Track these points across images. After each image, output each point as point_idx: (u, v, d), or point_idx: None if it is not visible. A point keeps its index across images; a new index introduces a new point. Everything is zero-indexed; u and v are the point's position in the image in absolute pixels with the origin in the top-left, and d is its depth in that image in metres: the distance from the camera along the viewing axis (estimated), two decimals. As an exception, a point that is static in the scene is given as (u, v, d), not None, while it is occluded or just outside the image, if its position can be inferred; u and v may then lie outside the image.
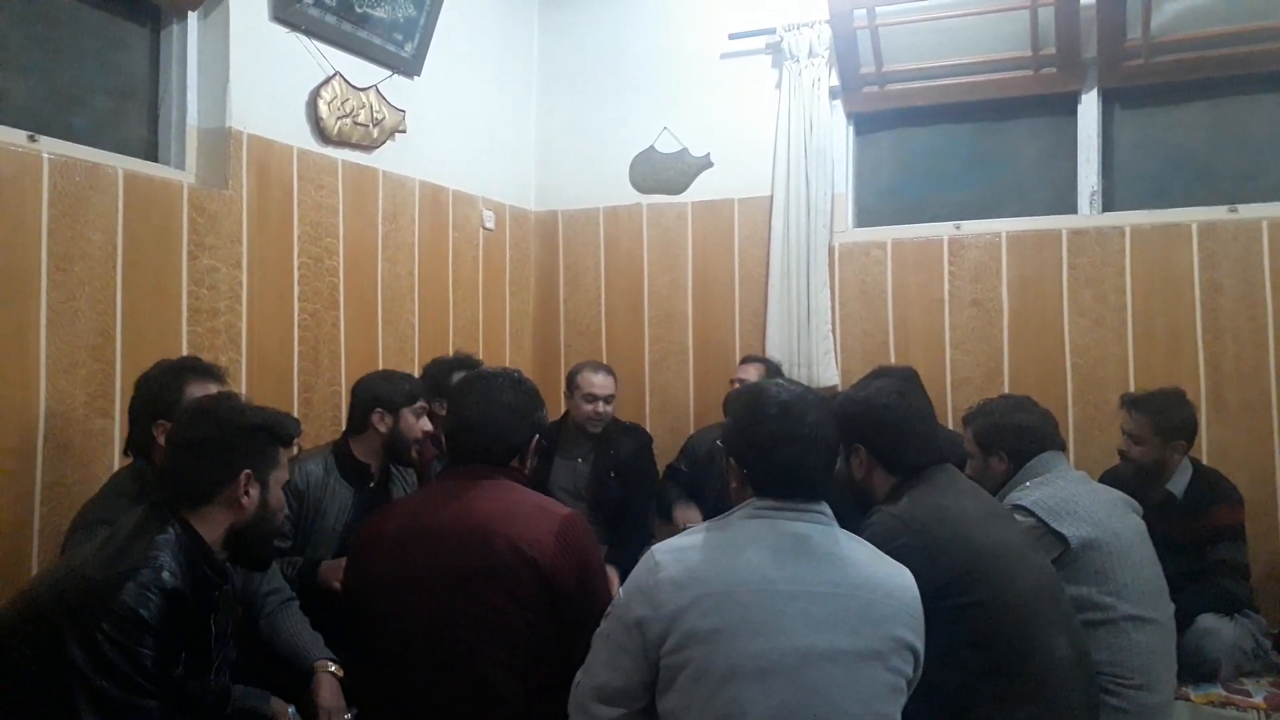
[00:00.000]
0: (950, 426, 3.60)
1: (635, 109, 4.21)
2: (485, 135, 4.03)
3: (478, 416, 1.85)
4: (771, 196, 3.92)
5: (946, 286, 3.77)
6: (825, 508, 1.60)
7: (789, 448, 1.57)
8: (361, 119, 3.30)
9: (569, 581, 1.69)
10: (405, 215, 3.54)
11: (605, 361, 3.85)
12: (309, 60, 3.11)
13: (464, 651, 1.65)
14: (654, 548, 1.57)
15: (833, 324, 3.88)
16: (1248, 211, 3.40)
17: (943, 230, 3.79)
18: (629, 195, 4.22)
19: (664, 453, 3.83)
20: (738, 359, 4.02)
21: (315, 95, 3.13)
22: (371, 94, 3.34)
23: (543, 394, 4.29)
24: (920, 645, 1.53)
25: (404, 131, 3.48)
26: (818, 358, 3.84)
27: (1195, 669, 2.75)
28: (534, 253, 4.36)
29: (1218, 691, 2.71)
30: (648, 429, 3.91)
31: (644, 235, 4.20)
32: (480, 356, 3.89)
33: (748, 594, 1.46)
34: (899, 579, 1.56)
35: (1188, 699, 2.63)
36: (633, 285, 4.22)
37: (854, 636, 1.45)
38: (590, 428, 3.54)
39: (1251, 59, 3.40)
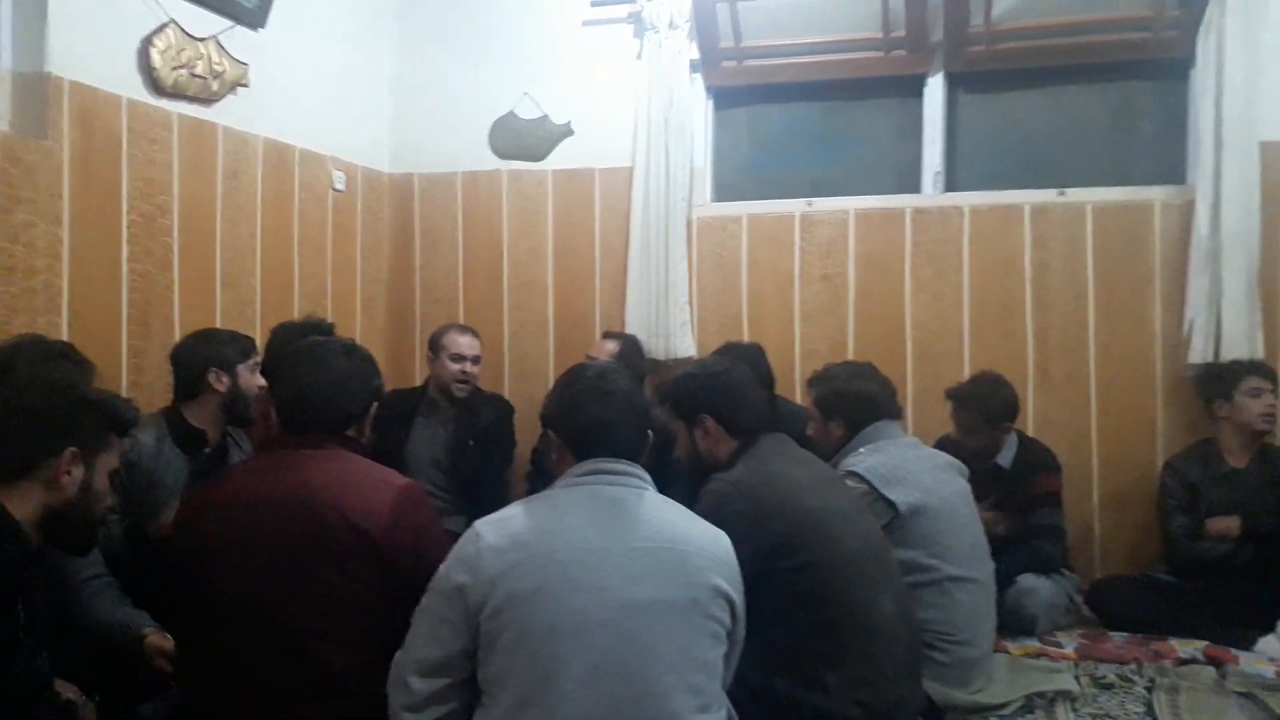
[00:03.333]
0: (799, 397, 3.74)
1: (495, 72, 4.13)
2: (336, 93, 3.87)
3: (311, 384, 1.79)
4: (632, 168, 3.93)
5: (798, 262, 3.87)
6: (640, 472, 1.65)
7: (597, 404, 1.65)
8: (199, 71, 3.11)
9: (405, 554, 1.66)
10: (248, 174, 3.38)
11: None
12: (140, 5, 2.91)
13: (291, 625, 1.61)
14: (476, 521, 1.58)
15: (690, 296, 3.93)
16: (1074, 195, 3.62)
17: (795, 207, 3.88)
18: (488, 160, 4.15)
19: (524, 424, 3.80)
20: (598, 329, 4.04)
21: (148, 43, 2.93)
22: (210, 45, 3.16)
23: (398, 362, 4.27)
24: (736, 596, 1.59)
25: (246, 86, 3.31)
26: (675, 329, 3.89)
27: (1014, 624, 2.95)
28: (388, 216, 4.24)
29: (1034, 644, 2.92)
30: (507, 399, 3.87)
31: (504, 202, 4.14)
32: (330, 323, 3.77)
33: (567, 554, 1.50)
34: (712, 535, 1.63)
35: (1007, 651, 2.81)
36: (492, 253, 4.16)
37: (670, 587, 1.50)
38: (456, 391, 3.50)
39: (1081, 50, 3.62)
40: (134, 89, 2.92)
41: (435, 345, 3.55)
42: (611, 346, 3.59)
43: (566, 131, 4.07)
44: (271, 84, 3.44)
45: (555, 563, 1.48)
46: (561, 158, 4.08)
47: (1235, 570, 3.05)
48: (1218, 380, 3.27)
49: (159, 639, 2.08)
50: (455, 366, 3.48)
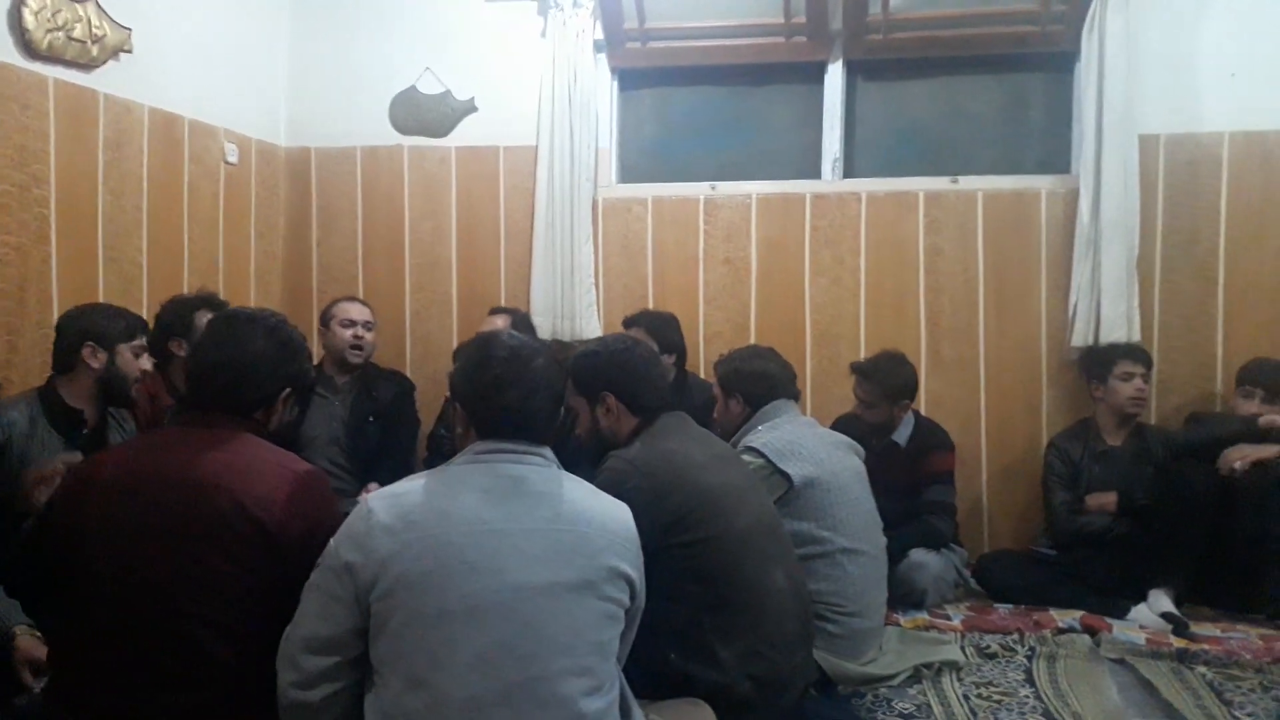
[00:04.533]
0: (703, 375, 3.78)
1: (396, 45, 4.04)
2: (228, 62, 3.73)
3: (225, 360, 1.70)
4: (537, 146, 3.90)
5: (702, 244, 3.90)
6: (547, 451, 1.62)
7: (514, 390, 1.60)
8: (77, 34, 2.96)
9: (299, 545, 1.60)
10: (132, 144, 3.23)
11: (367, 301, 3.71)
12: (11, -39, 2.76)
13: (174, 611, 1.53)
14: (368, 496, 1.54)
15: (596, 277, 3.93)
16: (966, 183, 3.73)
17: (699, 190, 3.91)
18: (389, 135, 4.06)
19: (426, 405, 3.76)
20: (501, 310, 4.01)
21: (19, 3, 2.78)
22: (90, 7, 3.00)
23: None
24: (636, 574, 1.58)
25: (129, 51, 3.16)
26: (581, 310, 3.88)
27: (905, 597, 3.05)
28: (284, 191, 4.11)
29: (923, 617, 3.01)
30: (407, 375, 3.81)
31: (405, 178, 4.06)
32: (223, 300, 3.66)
33: (461, 535, 1.46)
34: (614, 512, 1.61)
35: (898, 624, 2.89)
36: (393, 230, 4.08)
37: (567, 569, 1.48)
38: (351, 357, 3.45)
39: (973, 41, 3.72)
40: (4, 51, 2.76)
41: (325, 318, 3.51)
42: (501, 322, 3.57)
43: (470, 108, 4.01)
44: (157, 50, 3.30)
45: (449, 545, 1.45)
46: (465, 135, 4.02)
47: (1111, 543, 3.20)
48: (1095, 363, 3.43)
49: (30, 644, 1.98)
50: (346, 332, 3.43)
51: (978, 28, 3.71)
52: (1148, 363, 3.36)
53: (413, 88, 4.03)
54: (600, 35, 3.89)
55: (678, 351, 3.46)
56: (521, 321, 3.65)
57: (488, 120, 4.01)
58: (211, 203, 3.64)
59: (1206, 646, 2.72)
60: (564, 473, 1.62)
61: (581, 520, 1.54)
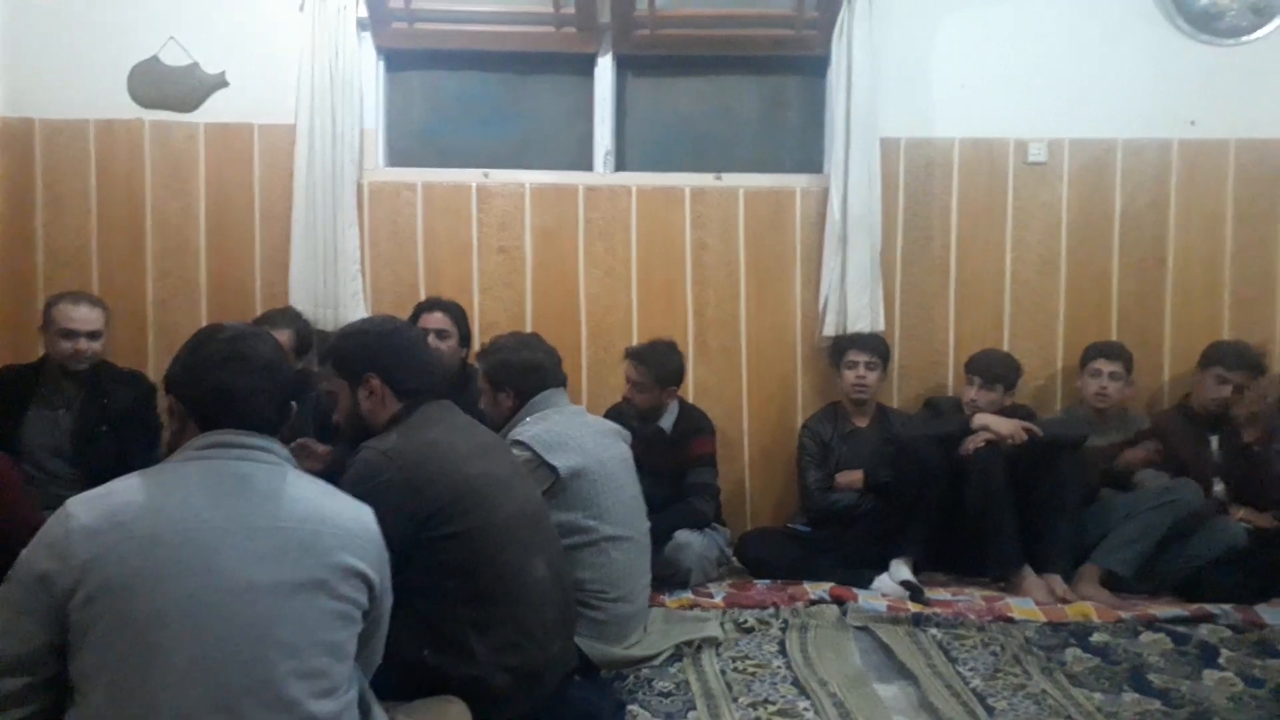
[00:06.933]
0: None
1: (136, 10, 3.70)
2: (-71, 17, 3.31)
3: None
4: (295, 125, 3.70)
5: (475, 233, 3.84)
6: (275, 446, 1.53)
7: (229, 368, 1.50)
8: None
9: None
10: None
11: (99, 298, 3.38)
12: None
13: None
14: (70, 499, 1.40)
15: (362, 265, 3.79)
16: (730, 180, 3.88)
17: (472, 177, 3.85)
18: (128, 108, 3.72)
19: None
20: (259, 297, 3.81)
21: None
22: None
23: (15, 335, 3.75)
24: (375, 575, 1.52)
25: None
26: (345, 299, 3.73)
27: (671, 578, 3.14)
28: (1, 167, 3.69)
29: (688, 596, 3.11)
30: (151, 377, 3.51)
31: (146, 155, 3.74)
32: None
33: (176, 535, 1.36)
34: (352, 511, 1.54)
35: (664, 605, 2.97)
36: (133, 212, 3.75)
37: (296, 568, 1.41)
38: (72, 366, 3.14)
39: (735, 42, 3.88)
40: None
41: (46, 317, 3.16)
42: (285, 338, 3.34)
43: (220, 82, 3.75)
44: None
45: (161, 545, 1.34)
46: (215, 110, 3.76)
47: (858, 518, 3.45)
48: (833, 353, 3.68)
49: None
50: (66, 344, 3.10)
51: (738, 29, 3.86)
52: (875, 352, 3.58)
53: (155, 58, 3.72)
54: (364, 13, 3.74)
55: (463, 339, 3.42)
56: (304, 332, 3.45)
57: (240, 96, 3.76)
58: (-92, 175, 3.22)
59: (938, 610, 2.96)
60: (296, 470, 1.54)
61: (313, 518, 1.45)
